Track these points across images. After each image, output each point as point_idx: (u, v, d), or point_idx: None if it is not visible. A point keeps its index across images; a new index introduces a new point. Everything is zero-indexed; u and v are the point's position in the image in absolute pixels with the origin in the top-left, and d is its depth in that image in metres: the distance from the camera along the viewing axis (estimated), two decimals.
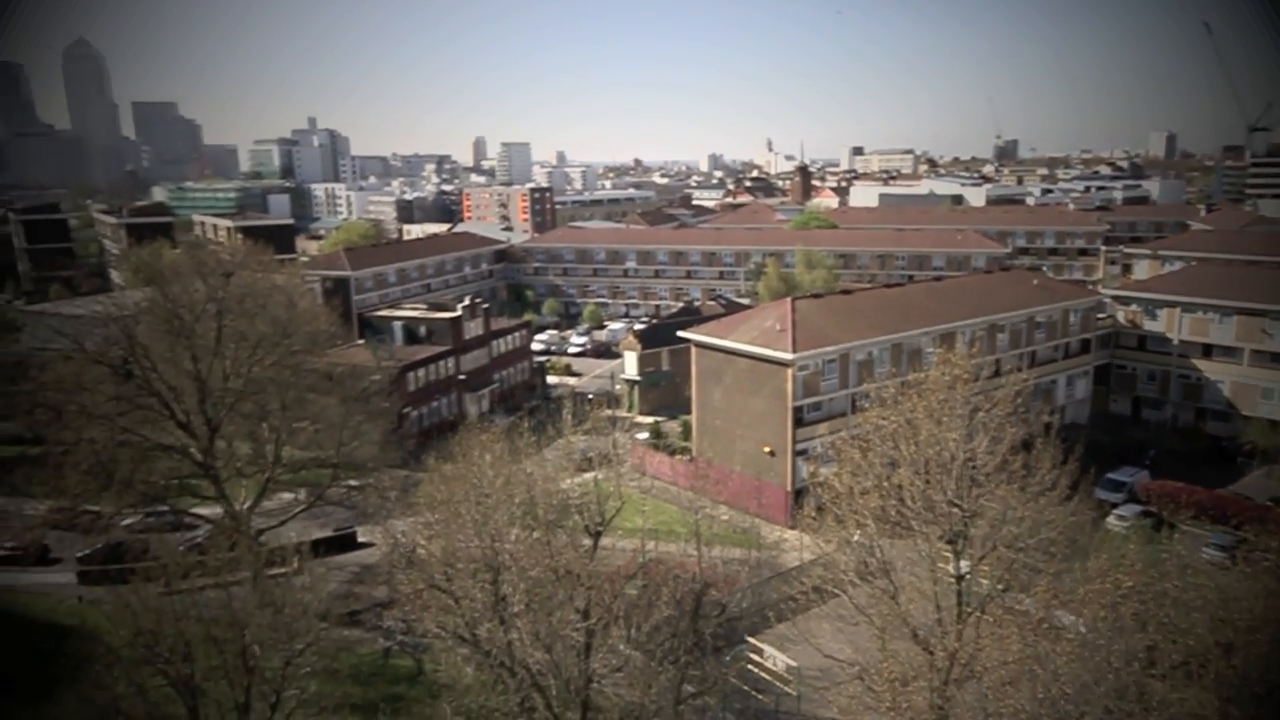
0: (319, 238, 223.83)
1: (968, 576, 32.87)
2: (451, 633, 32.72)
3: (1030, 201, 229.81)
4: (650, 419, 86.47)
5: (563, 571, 31.64)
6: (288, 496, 61.93)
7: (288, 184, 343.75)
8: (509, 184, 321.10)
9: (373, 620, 52.20)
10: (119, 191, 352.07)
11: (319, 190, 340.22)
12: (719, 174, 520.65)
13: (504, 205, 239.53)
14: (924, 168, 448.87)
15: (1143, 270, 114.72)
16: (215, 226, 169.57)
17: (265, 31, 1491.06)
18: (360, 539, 62.57)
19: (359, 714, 41.97)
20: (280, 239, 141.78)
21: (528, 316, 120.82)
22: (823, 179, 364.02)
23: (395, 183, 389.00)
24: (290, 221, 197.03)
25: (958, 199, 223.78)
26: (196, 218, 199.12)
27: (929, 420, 33.60)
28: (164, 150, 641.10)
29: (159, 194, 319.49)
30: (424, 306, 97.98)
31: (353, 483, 59.47)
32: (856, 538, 33.72)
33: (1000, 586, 31.93)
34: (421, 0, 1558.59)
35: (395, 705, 42.90)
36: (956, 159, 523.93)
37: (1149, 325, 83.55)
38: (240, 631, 29.85)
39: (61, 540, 61.47)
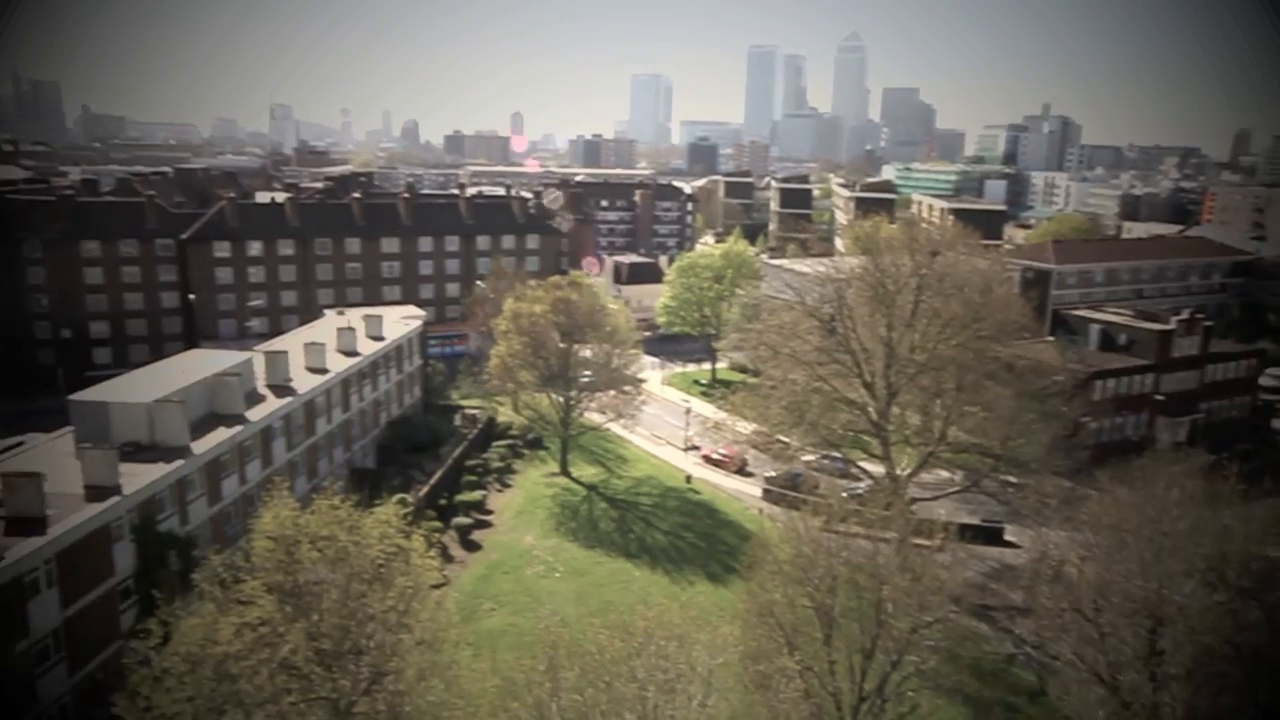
0: (1028, 226, 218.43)
1: None
2: (1089, 667, 30.02)
3: None
4: None
5: (1247, 650, 26.37)
6: (944, 474, 63.16)
7: (1007, 170, 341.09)
8: (1276, 185, 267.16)
9: (1004, 622, 50.76)
10: (856, 168, 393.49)
11: (1038, 178, 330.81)
12: None
13: (1259, 210, 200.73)
14: None
15: None
16: (930, 206, 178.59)
17: (1001, 21, 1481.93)
18: (1007, 536, 60.98)
19: (971, 706, 41.55)
20: (989, 224, 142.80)
21: (1262, 345, 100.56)
22: None
23: (1125, 175, 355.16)
24: (1002, 208, 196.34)
25: None
26: (915, 197, 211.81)
27: None
28: (900, 132, 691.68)
29: (888, 172, 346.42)
30: (1129, 313, 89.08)
31: (1011, 479, 57.98)
32: None
33: None
34: None
35: (1010, 715, 41.33)
36: None
37: None
38: (879, 585, 31.80)
39: (756, 459, 73.24)
